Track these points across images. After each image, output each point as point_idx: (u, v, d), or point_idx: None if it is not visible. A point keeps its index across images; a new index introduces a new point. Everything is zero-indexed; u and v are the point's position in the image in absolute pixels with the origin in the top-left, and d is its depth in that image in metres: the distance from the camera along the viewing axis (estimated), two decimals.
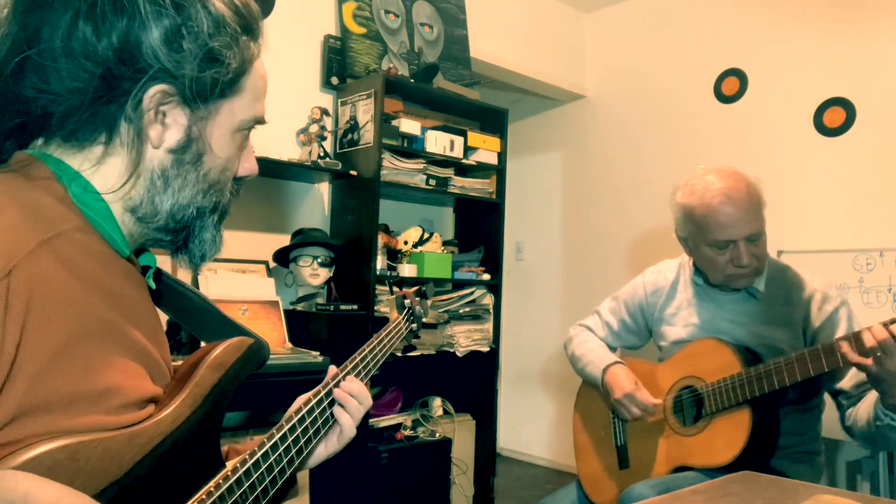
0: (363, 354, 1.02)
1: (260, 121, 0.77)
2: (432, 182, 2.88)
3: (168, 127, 0.69)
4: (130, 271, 0.71)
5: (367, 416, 0.88)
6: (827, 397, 1.62)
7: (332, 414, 0.91)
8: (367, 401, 0.95)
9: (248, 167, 0.79)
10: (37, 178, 0.65)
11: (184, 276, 2.40)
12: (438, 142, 2.86)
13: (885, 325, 1.28)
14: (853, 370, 1.49)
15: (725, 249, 1.55)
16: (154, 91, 0.66)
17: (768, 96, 3.23)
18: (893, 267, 2.54)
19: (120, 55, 0.64)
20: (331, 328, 2.57)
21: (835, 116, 2.99)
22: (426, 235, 2.96)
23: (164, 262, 0.79)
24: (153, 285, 0.78)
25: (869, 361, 1.28)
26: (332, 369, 0.95)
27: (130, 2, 0.63)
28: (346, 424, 0.92)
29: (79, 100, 0.64)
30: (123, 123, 0.66)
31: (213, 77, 0.68)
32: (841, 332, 1.51)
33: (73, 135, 0.66)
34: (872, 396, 1.40)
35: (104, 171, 0.68)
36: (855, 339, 1.32)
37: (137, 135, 0.67)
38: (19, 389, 0.55)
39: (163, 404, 0.68)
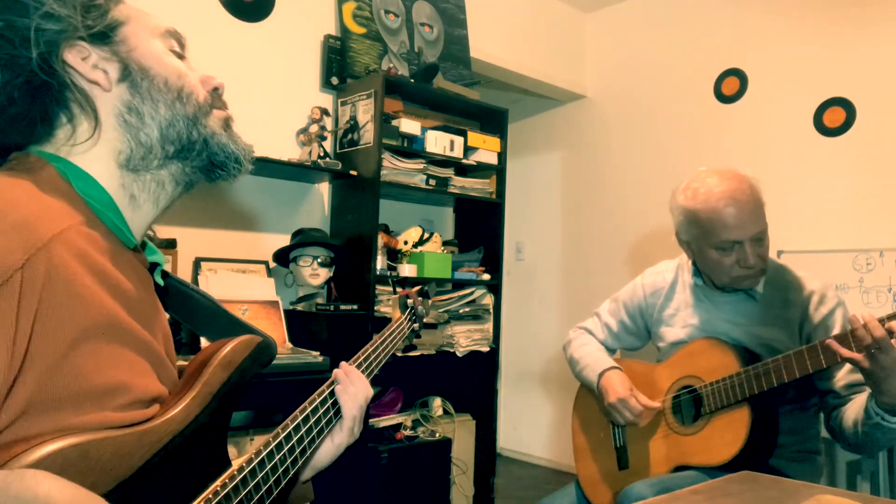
0: (367, 353, 1.02)
1: (171, 31, 0.79)
2: (432, 182, 2.88)
3: (103, 68, 0.71)
4: (137, 267, 0.72)
5: (368, 415, 0.88)
6: None
7: (335, 413, 0.92)
8: (367, 388, 0.96)
9: (204, 77, 0.80)
10: (41, 174, 0.66)
11: (183, 277, 2.40)
12: (438, 142, 2.86)
13: (882, 320, 1.28)
14: (846, 370, 1.49)
15: (731, 251, 1.55)
16: (70, 52, 0.69)
17: (768, 96, 3.24)
18: (893, 267, 2.55)
19: (29, 45, 0.66)
20: (331, 328, 2.57)
21: (835, 116, 2.99)
22: (426, 235, 2.96)
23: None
24: (161, 282, 0.78)
25: (860, 357, 1.29)
26: (336, 372, 0.96)
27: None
28: (347, 404, 0.93)
29: (25, 102, 0.67)
30: (69, 93, 0.69)
31: (101, 13, 0.71)
32: (836, 332, 1.51)
33: (45, 127, 0.69)
34: (861, 399, 1.41)
35: (79, 137, 0.70)
36: (851, 334, 1.32)
37: (85, 91, 0.70)
38: (30, 384, 0.55)
39: (172, 402, 0.68)
